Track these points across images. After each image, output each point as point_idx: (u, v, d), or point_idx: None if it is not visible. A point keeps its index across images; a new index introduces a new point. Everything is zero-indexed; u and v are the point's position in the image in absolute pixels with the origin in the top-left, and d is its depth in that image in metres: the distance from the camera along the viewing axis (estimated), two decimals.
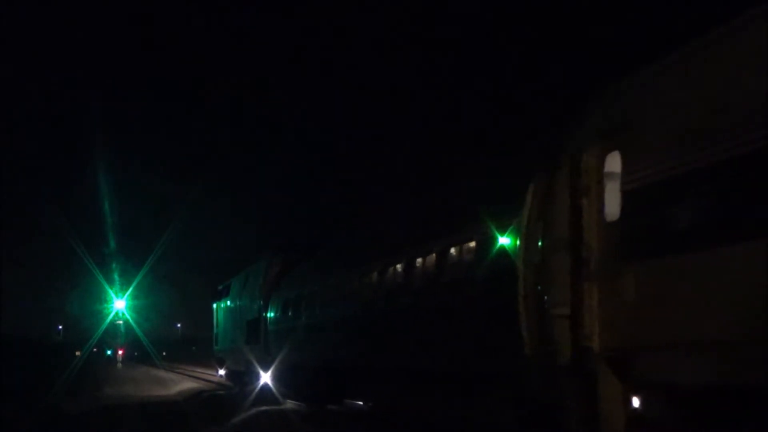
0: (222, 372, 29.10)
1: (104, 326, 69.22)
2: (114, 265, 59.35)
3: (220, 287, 28.77)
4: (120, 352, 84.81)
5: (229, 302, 26.70)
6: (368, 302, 13.07)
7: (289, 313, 18.86)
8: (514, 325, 8.43)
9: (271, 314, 20.65)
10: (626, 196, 6.79)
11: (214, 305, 29.74)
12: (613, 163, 7.04)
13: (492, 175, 9.81)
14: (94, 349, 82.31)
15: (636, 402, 6.83)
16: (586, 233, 7.32)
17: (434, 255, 10.52)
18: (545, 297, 7.95)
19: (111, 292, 64.33)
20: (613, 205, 7.06)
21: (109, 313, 68.65)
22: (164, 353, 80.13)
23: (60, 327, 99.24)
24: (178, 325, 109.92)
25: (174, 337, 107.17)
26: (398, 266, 11.91)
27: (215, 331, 29.65)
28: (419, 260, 11.10)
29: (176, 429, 17.33)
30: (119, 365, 70.52)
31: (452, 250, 10.08)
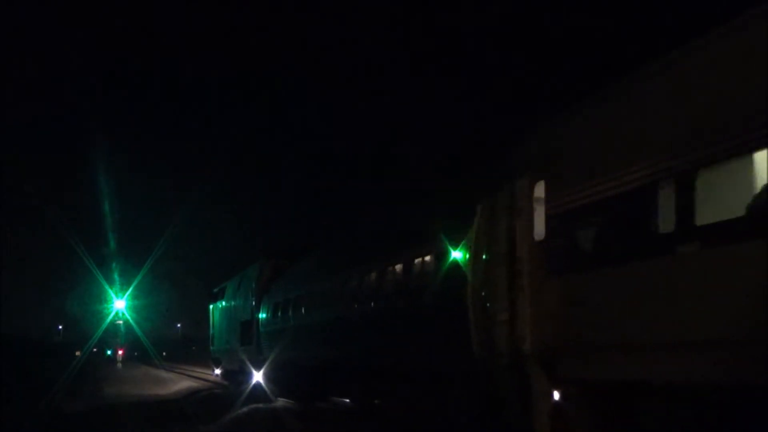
0: (218, 371, 30.44)
1: (104, 326, 70.17)
2: (114, 265, 60.69)
3: (215, 290, 30.08)
4: (120, 352, 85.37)
5: (224, 304, 28.04)
6: (346, 306, 14.44)
7: (279, 316, 20.21)
8: (466, 329, 9.71)
9: (262, 316, 21.98)
10: (549, 219, 8.07)
11: (210, 307, 31.06)
12: (540, 190, 8.32)
13: (451, 197, 11.07)
14: (94, 349, 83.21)
15: (556, 395, 8.12)
16: (519, 250, 8.60)
17: (401, 266, 11.85)
18: (488, 305, 9.23)
19: (111, 292, 65.25)
20: (540, 226, 8.33)
21: (109, 313, 69.64)
22: (164, 353, 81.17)
23: (60, 327, 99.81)
24: (178, 325, 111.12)
25: (174, 337, 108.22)
26: (372, 275, 13.25)
27: (211, 332, 31.00)
28: (389, 269, 12.42)
29: (174, 426, 18.26)
30: (119, 365, 70.65)
31: (416, 262, 11.39)
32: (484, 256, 9.42)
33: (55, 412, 19.73)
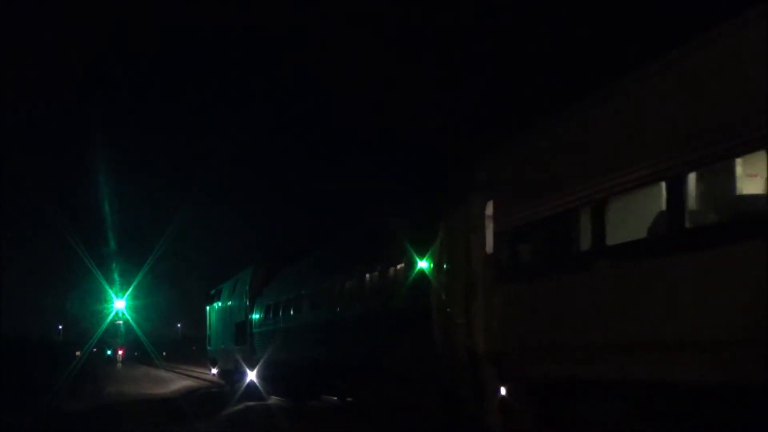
0: (214, 371, 31.75)
1: (104, 326, 70.37)
2: (114, 265, 59.83)
3: (212, 291, 31.39)
4: (120, 352, 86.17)
5: (220, 306, 29.35)
6: (330, 310, 15.69)
7: (271, 317, 21.48)
8: (431, 331, 10.94)
9: (255, 318, 23.26)
10: (496, 235, 9.27)
11: (208, 308, 32.37)
12: (490, 209, 9.52)
13: (420, 213, 12.28)
14: (94, 349, 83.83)
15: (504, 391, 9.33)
16: (473, 262, 9.81)
17: (377, 273, 13.08)
18: (448, 309, 10.44)
19: (111, 292, 65.21)
20: (490, 241, 9.53)
21: (109, 313, 69.78)
22: (164, 353, 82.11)
23: (60, 327, 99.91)
24: (178, 325, 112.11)
25: (174, 337, 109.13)
26: (353, 281, 14.49)
27: (208, 332, 32.32)
28: (367, 277, 13.65)
29: (172, 424, 19.40)
30: (119, 365, 71.71)
31: (389, 270, 12.62)
32: (445, 266, 10.64)
33: (55, 412, 20.25)
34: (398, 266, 12.25)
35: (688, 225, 6.39)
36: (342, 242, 17.27)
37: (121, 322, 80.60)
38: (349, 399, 17.68)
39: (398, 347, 12.34)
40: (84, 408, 21.76)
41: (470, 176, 10.12)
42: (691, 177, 6.46)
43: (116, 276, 61.43)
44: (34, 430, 17.29)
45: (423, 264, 11.29)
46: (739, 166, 6.19)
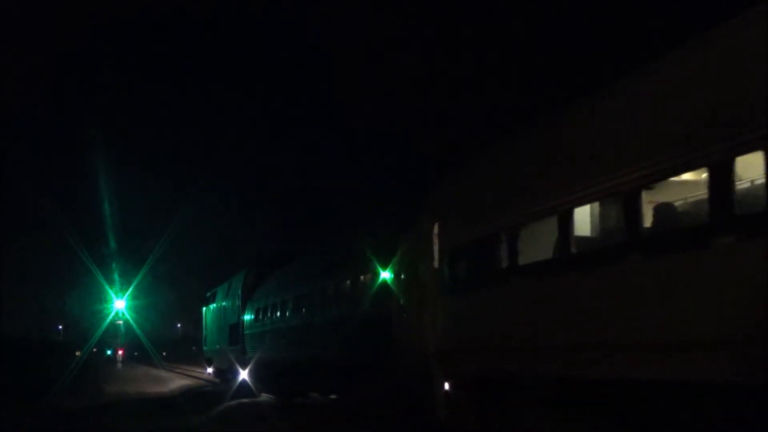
0: (210, 370, 33.66)
1: (104, 326, 70.45)
2: (114, 265, 60.04)
3: (208, 294, 33.25)
4: (120, 352, 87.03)
5: (215, 307, 31.23)
6: (310, 313, 17.53)
7: (260, 319, 23.33)
8: (393, 332, 12.73)
9: (246, 319, 25.11)
10: (439, 253, 11.03)
11: (204, 309, 34.25)
12: (436, 230, 11.28)
13: (385, 229, 14.07)
14: (94, 349, 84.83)
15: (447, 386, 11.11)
16: (423, 275, 11.58)
17: (349, 281, 14.89)
18: (404, 315, 12.22)
19: (111, 292, 65.21)
20: (436, 257, 11.29)
21: (109, 313, 69.79)
22: (164, 353, 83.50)
23: (60, 327, 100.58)
24: (178, 325, 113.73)
25: (174, 337, 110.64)
26: (330, 287, 16.31)
27: (204, 333, 34.23)
28: (341, 284, 15.48)
29: (170, 418, 21.03)
30: (119, 365, 72.24)
31: (360, 279, 14.41)
32: (402, 277, 12.42)
33: (55, 412, 20.91)
34: (366, 276, 14.05)
35: (573, 251, 8.14)
36: (321, 253, 19.13)
37: (121, 322, 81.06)
38: (332, 396, 19.49)
39: (366, 347, 14.13)
40: (83, 406, 22.88)
41: (422, 201, 11.89)
42: (579, 210, 8.22)
43: (116, 276, 61.88)
44: (34, 430, 17.74)
45: (385, 275, 13.07)
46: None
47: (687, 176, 6.99)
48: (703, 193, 6.51)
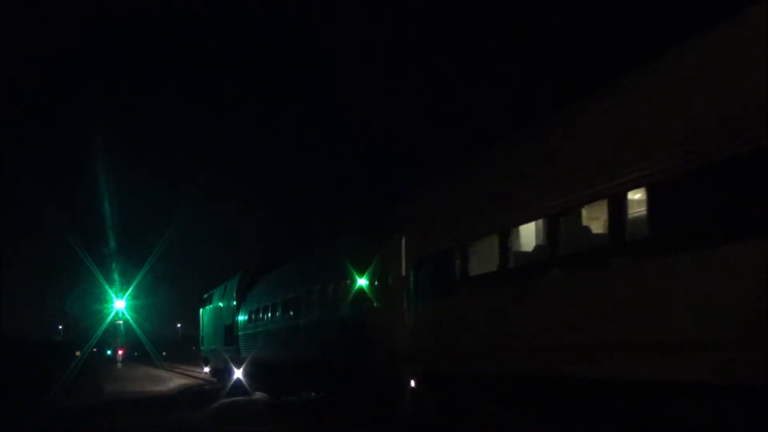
0: (207, 369, 35.22)
1: (104, 326, 71.73)
2: (114, 265, 61.23)
3: (205, 296, 34.80)
4: (120, 352, 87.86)
5: (211, 309, 32.76)
6: (297, 316, 19.02)
7: (253, 321, 24.85)
8: (368, 334, 14.19)
9: (241, 321, 26.64)
10: (406, 263, 12.50)
11: (201, 311, 35.79)
12: (404, 243, 12.74)
13: (363, 241, 15.52)
14: (94, 349, 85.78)
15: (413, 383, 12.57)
16: (393, 282, 13.03)
17: (332, 287, 16.37)
18: (377, 318, 13.68)
19: (111, 292, 66.86)
20: (404, 267, 12.74)
21: (109, 313, 71.35)
22: (164, 353, 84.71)
23: (60, 327, 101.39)
24: (178, 325, 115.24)
25: (174, 337, 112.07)
26: (315, 292, 17.80)
27: (201, 334, 35.81)
28: (326, 289, 16.96)
29: (167, 415, 22.38)
30: (119, 365, 73.26)
31: (341, 284, 15.88)
32: (376, 284, 13.88)
33: (55, 412, 21.35)
34: (346, 282, 15.51)
35: (511, 265, 9.58)
36: (307, 259, 20.61)
37: (121, 322, 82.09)
38: (319, 394, 20.97)
39: (345, 348, 15.61)
40: (83, 405, 23.86)
41: (393, 217, 13.36)
42: (517, 229, 9.66)
43: (116, 276, 63.28)
44: (34, 430, 18.05)
45: (362, 282, 14.53)
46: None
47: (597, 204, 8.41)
48: (603, 221, 7.97)
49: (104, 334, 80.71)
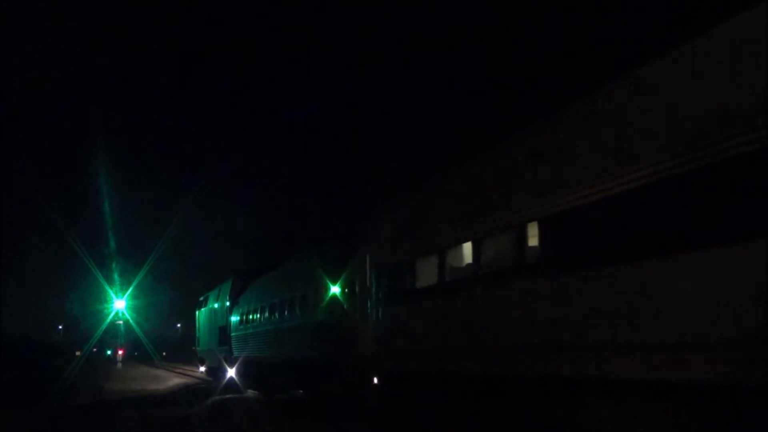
0: (203, 369, 37.44)
1: (104, 326, 72.37)
2: (114, 265, 62.07)
3: (201, 298, 37.06)
4: (120, 352, 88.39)
5: (206, 311, 34.99)
6: (282, 319, 21.16)
7: (244, 323, 27.01)
8: (340, 337, 16.29)
9: (233, 322, 28.83)
10: (369, 275, 14.58)
11: (197, 312, 38.02)
12: (369, 255, 14.82)
13: (338, 254, 17.60)
14: (94, 350, 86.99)
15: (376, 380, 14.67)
16: (360, 291, 15.11)
17: (311, 293, 18.50)
18: (348, 322, 15.76)
19: (111, 292, 67.13)
20: (368, 277, 14.83)
21: (109, 313, 71.41)
22: (164, 353, 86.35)
23: (60, 327, 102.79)
24: (178, 325, 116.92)
25: (174, 337, 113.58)
26: (298, 297, 19.94)
27: (197, 335, 38.06)
28: (306, 295, 19.09)
29: (165, 411, 24.28)
30: (119, 365, 73.42)
31: (318, 291, 18.00)
32: (346, 291, 15.97)
33: (56, 410, 22.38)
34: (322, 290, 17.62)
35: (447, 279, 11.64)
36: (291, 266, 22.78)
37: (121, 322, 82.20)
38: (306, 391, 23.07)
39: (322, 349, 17.72)
40: (84, 403, 25.28)
41: (360, 233, 15.47)
42: (453, 249, 11.72)
43: (116, 276, 63.76)
44: (34, 430, 18.66)
45: (336, 289, 16.62)
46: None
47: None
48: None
49: (104, 334, 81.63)
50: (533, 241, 9.49)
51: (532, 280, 9.28)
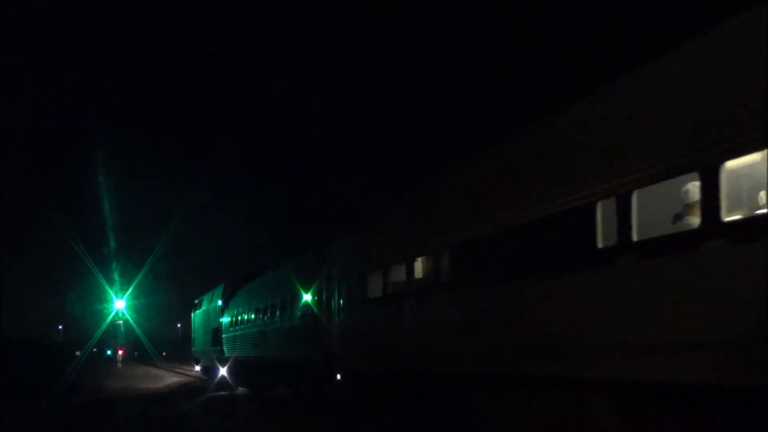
0: (198, 368, 40.37)
1: (104, 326, 73.28)
2: (114, 265, 63.68)
3: (196, 301, 40.04)
4: (120, 352, 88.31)
5: (200, 313, 37.95)
6: (264, 322, 24.06)
7: (234, 325, 29.90)
8: (311, 338, 19.11)
9: (224, 324, 31.73)
10: (335, 288, 17.36)
11: (192, 314, 40.97)
12: (332, 268, 17.61)
13: (311, 266, 20.36)
14: (94, 349, 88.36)
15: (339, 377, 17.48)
16: (326, 298, 17.91)
17: (288, 299, 21.35)
18: (317, 326, 18.56)
19: (111, 292, 68.88)
20: (333, 287, 17.61)
21: (109, 313, 72.90)
22: (164, 353, 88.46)
23: (60, 327, 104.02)
24: (178, 325, 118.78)
25: (174, 337, 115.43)
26: (277, 303, 22.81)
27: (193, 336, 41.02)
28: (284, 301, 21.94)
29: (162, 407, 26.42)
30: (119, 365, 75.17)
31: (294, 298, 20.83)
32: (317, 298, 18.77)
33: (57, 410, 23.27)
34: (298, 297, 20.44)
35: (389, 291, 14.39)
36: (273, 274, 25.67)
37: (121, 322, 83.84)
38: (287, 387, 25.91)
39: (296, 349, 20.55)
40: (84, 400, 27.22)
41: (327, 250, 18.29)
42: (395, 267, 14.48)
43: (116, 276, 65.59)
44: (34, 430, 19.24)
45: (308, 297, 19.42)
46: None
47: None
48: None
49: (104, 334, 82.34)
50: (447, 263, 12.23)
51: (445, 294, 12.02)
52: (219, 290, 33.13)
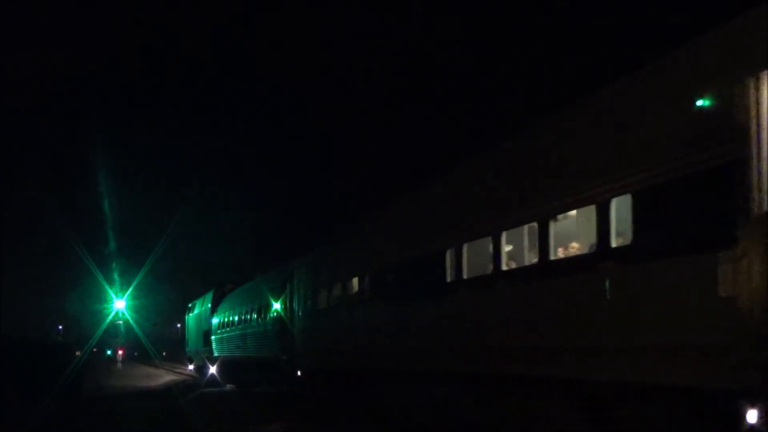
0: (191, 367, 44.85)
1: (104, 326, 76.10)
2: (114, 265, 66.51)
3: (189, 305, 44.58)
4: (120, 352, 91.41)
5: (193, 316, 42.47)
6: (243, 326, 28.55)
7: (222, 327, 34.43)
8: (281, 340, 23.48)
9: (214, 326, 36.22)
10: (297, 299, 21.67)
11: (186, 317, 45.49)
12: (299, 281, 21.93)
13: (280, 277, 24.68)
14: (94, 349, 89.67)
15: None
16: (290, 307, 22.24)
17: (261, 306, 25.75)
18: (285, 330, 22.91)
19: (111, 292, 71.87)
20: (300, 296, 21.92)
21: (109, 313, 76.20)
22: (164, 353, 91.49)
23: (60, 327, 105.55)
24: (178, 325, 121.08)
25: (174, 337, 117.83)
26: (253, 308, 27.29)
27: (186, 337, 45.53)
28: (258, 307, 26.36)
29: (158, 401, 30.03)
30: (119, 365, 76.55)
31: (265, 305, 25.23)
32: (286, 306, 23.13)
33: (55, 412, 23.82)
34: (269, 304, 24.82)
35: (346, 301, 18.64)
36: (253, 284, 30.12)
37: (121, 322, 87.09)
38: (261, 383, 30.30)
39: (269, 350, 24.96)
40: (85, 397, 29.74)
41: (292, 265, 22.63)
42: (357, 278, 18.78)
43: (116, 276, 68.48)
44: (34, 430, 19.76)
45: (277, 306, 23.80)
46: None
47: None
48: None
49: (104, 334, 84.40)
50: (390, 279, 16.24)
51: (385, 306, 16.13)
52: (209, 296, 37.59)
